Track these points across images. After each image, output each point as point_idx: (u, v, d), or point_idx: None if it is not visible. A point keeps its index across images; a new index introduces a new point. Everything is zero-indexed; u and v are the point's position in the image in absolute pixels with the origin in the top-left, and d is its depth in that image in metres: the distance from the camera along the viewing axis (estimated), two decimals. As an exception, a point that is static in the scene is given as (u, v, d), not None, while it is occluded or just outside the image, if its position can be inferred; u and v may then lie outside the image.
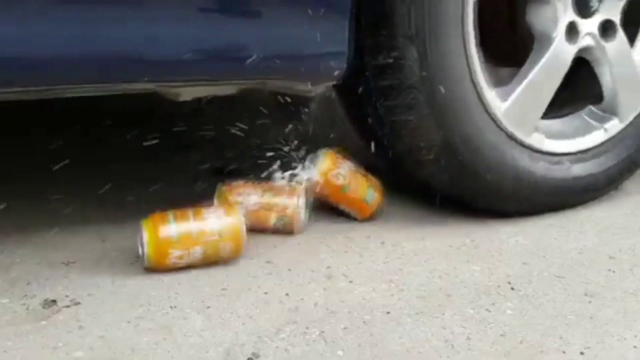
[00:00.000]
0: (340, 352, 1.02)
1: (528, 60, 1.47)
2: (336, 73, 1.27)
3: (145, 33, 1.12)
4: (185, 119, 1.94)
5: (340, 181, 1.42)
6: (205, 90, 1.40)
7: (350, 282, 1.22)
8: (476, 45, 1.35)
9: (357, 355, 1.01)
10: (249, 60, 1.17)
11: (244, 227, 1.25)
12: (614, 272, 1.27)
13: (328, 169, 1.42)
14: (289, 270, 1.25)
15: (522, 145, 1.44)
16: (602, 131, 1.55)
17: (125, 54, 1.12)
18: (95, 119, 1.97)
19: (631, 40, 1.57)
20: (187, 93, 1.34)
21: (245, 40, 1.19)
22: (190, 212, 1.24)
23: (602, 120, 1.56)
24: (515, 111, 1.42)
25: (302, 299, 1.15)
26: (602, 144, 1.55)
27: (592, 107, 1.58)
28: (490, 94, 1.39)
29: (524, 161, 1.44)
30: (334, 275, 1.24)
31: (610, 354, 1.03)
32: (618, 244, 1.38)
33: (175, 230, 1.21)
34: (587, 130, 1.55)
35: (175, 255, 1.20)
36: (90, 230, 1.37)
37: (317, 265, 1.27)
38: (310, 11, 1.20)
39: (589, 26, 1.48)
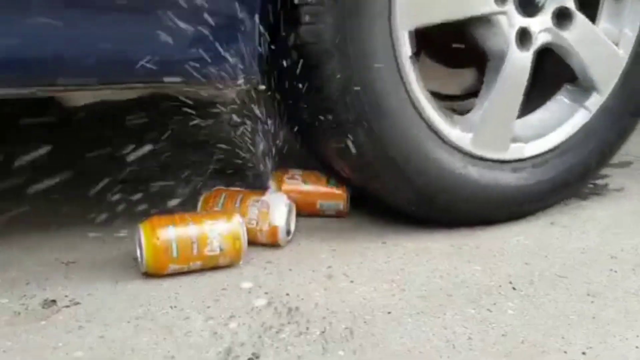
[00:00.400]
0: (341, 352, 1.01)
1: (485, 83, 1.42)
2: (245, 77, 1.21)
3: (27, 32, 1.05)
4: (185, 119, 1.93)
5: (298, 181, 1.44)
6: (103, 95, 1.35)
7: (351, 282, 1.21)
8: (425, 93, 1.33)
9: (358, 356, 1.01)
10: (140, 63, 1.10)
11: (246, 240, 1.24)
12: (616, 272, 1.27)
13: (280, 177, 1.44)
14: (290, 270, 1.25)
15: (502, 162, 1.42)
16: (584, 110, 1.50)
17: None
18: (92, 119, 1.97)
19: (593, 17, 1.50)
20: (83, 98, 1.28)
21: (136, 41, 1.11)
22: (190, 219, 1.22)
23: (582, 97, 1.51)
24: (483, 138, 1.40)
25: (302, 299, 1.15)
26: (588, 123, 1.50)
27: (568, 86, 1.53)
28: (454, 133, 1.37)
29: (507, 177, 1.42)
30: (334, 275, 1.24)
31: (612, 354, 1.03)
32: (620, 244, 1.38)
33: (175, 245, 1.18)
34: (568, 114, 1.51)
35: (173, 268, 1.19)
36: (90, 230, 1.37)
37: (318, 265, 1.27)
38: (210, 9, 1.13)
39: (541, 23, 1.41)
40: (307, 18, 1.22)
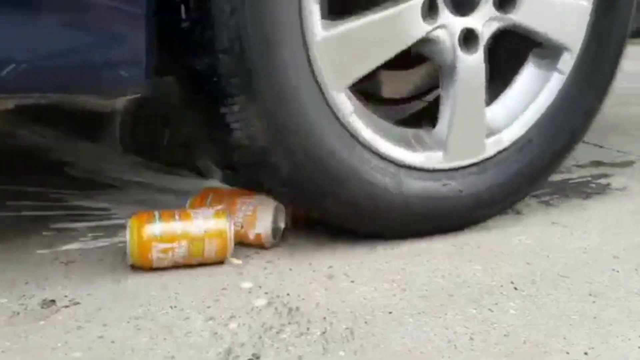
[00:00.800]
0: (341, 353, 1.01)
1: (442, 91, 1.36)
2: (131, 86, 1.11)
3: None
4: (183, 118, 1.93)
5: None
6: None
7: (352, 281, 1.21)
8: (385, 132, 1.31)
9: (359, 356, 1.00)
10: (4, 71, 0.99)
11: (232, 228, 1.24)
12: (617, 271, 1.27)
13: None
14: (290, 270, 1.24)
15: (485, 161, 1.39)
16: (557, 74, 1.42)
17: None
18: (90, 119, 1.97)
19: None
20: None
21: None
22: (176, 211, 1.24)
23: (552, 61, 1.42)
24: (456, 148, 1.36)
25: (303, 299, 1.15)
26: (564, 87, 1.42)
27: (536, 50, 1.43)
28: (423, 157, 1.34)
29: (489, 176, 1.40)
30: (335, 275, 1.23)
31: (613, 354, 1.02)
32: (622, 244, 1.37)
33: (160, 226, 1.20)
34: (541, 82, 1.43)
35: (158, 249, 1.19)
36: (89, 230, 1.37)
37: (318, 265, 1.26)
38: (87, 10, 1.03)
39: (483, 16, 1.32)
40: (236, 125, 1.18)
